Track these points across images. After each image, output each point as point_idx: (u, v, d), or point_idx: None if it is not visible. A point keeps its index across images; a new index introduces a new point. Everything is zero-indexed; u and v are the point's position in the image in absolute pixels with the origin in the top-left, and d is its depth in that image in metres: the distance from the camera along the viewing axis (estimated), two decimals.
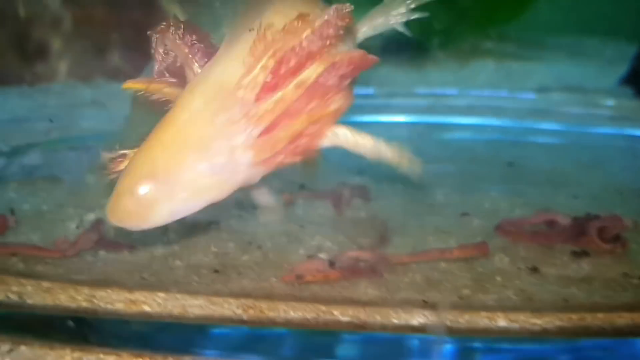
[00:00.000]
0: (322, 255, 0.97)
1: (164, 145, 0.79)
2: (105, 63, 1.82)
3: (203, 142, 0.79)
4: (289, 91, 0.81)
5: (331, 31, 0.81)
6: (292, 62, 0.80)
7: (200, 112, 0.80)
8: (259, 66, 0.80)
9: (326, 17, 0.80)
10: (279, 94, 0.81)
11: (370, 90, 1.76)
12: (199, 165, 0.79)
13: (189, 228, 1.05)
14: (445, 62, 2.16)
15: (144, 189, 0.77)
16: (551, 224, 1.03)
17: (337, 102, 0.85)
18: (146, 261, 0.95)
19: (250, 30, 0.83)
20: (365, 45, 0.98)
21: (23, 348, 0.78)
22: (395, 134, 1.63)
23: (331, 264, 0.88)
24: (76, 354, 0.77)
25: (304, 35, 0.80)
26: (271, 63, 0.80)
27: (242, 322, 0.80)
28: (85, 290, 0.83)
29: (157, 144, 0.79)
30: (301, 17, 0.80)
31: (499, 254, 0.96)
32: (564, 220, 1.02)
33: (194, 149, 0.79)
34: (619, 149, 1.50)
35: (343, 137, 0.88)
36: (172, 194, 0.78)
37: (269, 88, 0.81)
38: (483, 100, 1.78)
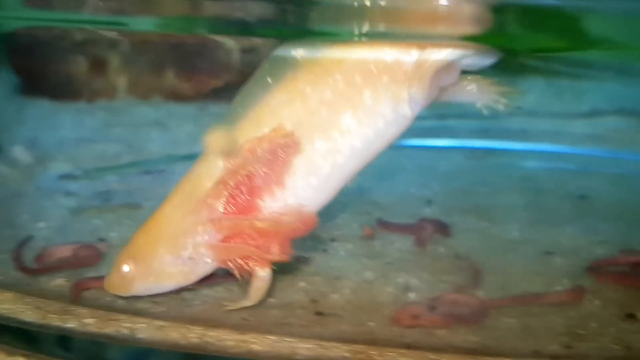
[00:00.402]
0: (412, 295, 0.99)
1: (147, 232, 0.93)
2: (161, 82, 1.84)
3: (173, 237, 0.92)
4: (247, 224, 0.89)
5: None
6: (257, 182, 0.89)
7: (176, 208, 0.92)
8: (223, 179, 0.89)
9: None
10: (240, 221, 0.89)
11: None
12: (166, 256, 0.92)
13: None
14: (494, 78, 2.15)
15: (125, 268, 0.92)
16: (635, 265, 1.04)
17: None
18: (240, 298, 0.96)
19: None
20: None
21: None
22: (452, 159, 1.63)
23: (431, 308, 0.89)
24: None
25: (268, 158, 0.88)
26: (236, 179, 0.88)
27: None
28: (198, 330, 0.86)
29: (144, 229, 0.94)
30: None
31: (589, 296, 0.97)
32: None
33: (164, 241, 0.92)
34: None
35: None
36: (145, 276, 0.92)
37: (234, 203, 0.89)
38: (539, 123, 1.75)
